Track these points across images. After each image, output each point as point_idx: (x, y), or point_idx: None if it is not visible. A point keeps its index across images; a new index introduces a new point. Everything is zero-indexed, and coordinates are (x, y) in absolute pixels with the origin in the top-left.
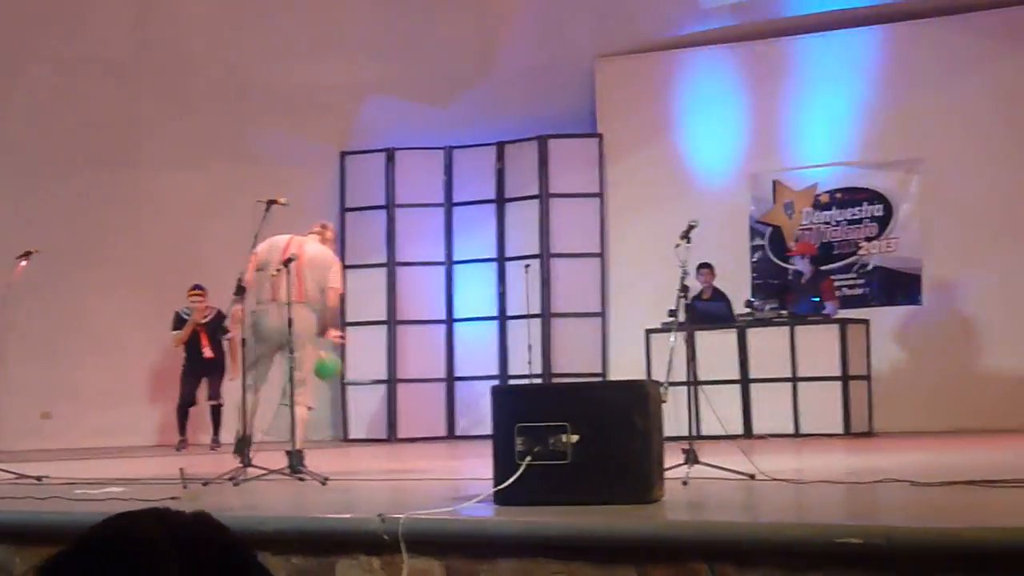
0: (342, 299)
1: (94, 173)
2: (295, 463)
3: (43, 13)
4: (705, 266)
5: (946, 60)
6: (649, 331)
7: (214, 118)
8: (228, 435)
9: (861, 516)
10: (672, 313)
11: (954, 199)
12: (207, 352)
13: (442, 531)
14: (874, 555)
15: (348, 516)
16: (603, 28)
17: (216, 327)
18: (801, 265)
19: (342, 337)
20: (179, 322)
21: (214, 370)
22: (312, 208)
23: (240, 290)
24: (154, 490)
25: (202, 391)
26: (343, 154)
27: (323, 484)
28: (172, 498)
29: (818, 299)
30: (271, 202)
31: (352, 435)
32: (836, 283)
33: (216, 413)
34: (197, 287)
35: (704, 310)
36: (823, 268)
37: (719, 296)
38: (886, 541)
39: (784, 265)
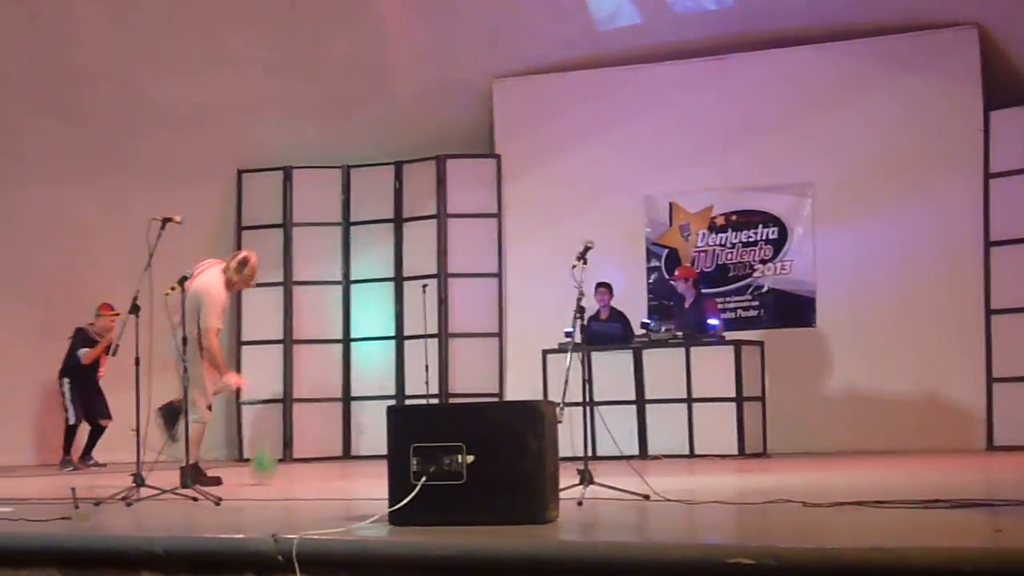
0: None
1: None
2: (187, 478)
3: None
4: (603, 286)
5: (839, 85)
6: (546, 351)
7: (105, 133)
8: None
9: (752, 537)
10: (568, 334)
11: (846, 222)
12: (102, 372)
13: (336, 551)
14: (764, 575)
15: (241, 536)
16: (500, 49)
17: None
18: (683, 289)
19: (237, 386)
20: (87, 339)
21: (99, 390)
22: (208, 226)
23: (135, 308)
24: (45, 510)
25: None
26: (240, 172)
27: (216, 504)
28: (64, 518)
29: (715, 324)
30: (166, 220)
31: (247, 455)
32: (732, 305)
33: (100, 433)
34: (110, 306)
35: (600, 331)
36: (705, 291)
37: (617, 316)
38: (776, 561)
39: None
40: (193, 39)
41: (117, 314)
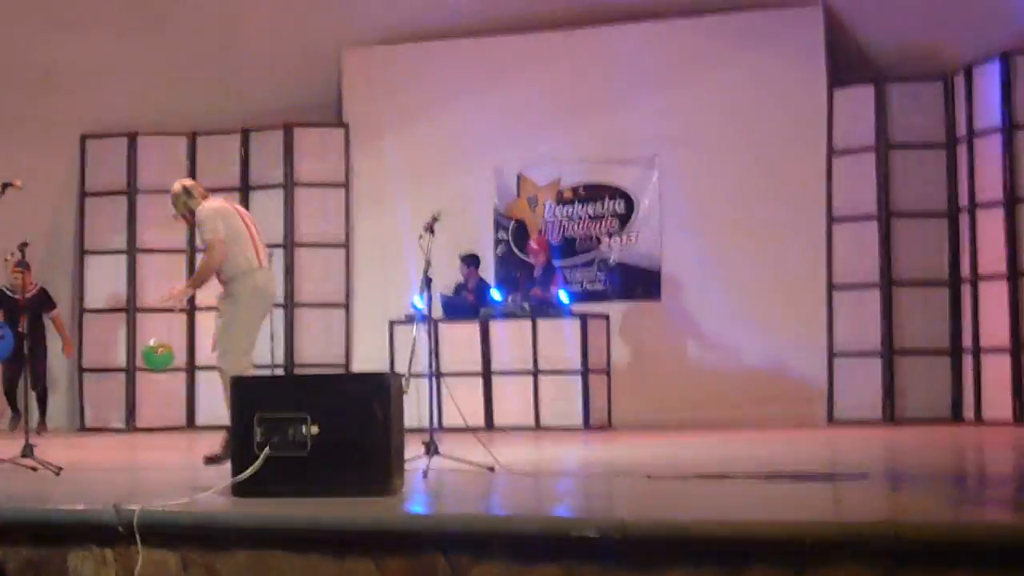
0: None
1: None
2: None
3: None
4: (467, 258)
5: (687, 60)
6: (393, 322)
7: None
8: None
9: (597, 509)
10: (415, 306)
11: (690, 197)
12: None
13: (177, 522)
14: (608, 547)
15: (81, 507)
16: (350, 17)
17: (40, 304)
18: (536, 262)
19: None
20: (2, 299)
21: (37, 353)
22: (50, 192)
23: None
24: None
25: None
26: (84, 137)
27: (57, 474)
28: None
29: (567, 303)
30: (6, 185)
31: (89, 424)
32: (579, 278)
33: (43, 399)
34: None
35: (449, 303)
36: (556, 263)
37: (484, 287)
38: (620, 534)
39: (526, 259)
40: None
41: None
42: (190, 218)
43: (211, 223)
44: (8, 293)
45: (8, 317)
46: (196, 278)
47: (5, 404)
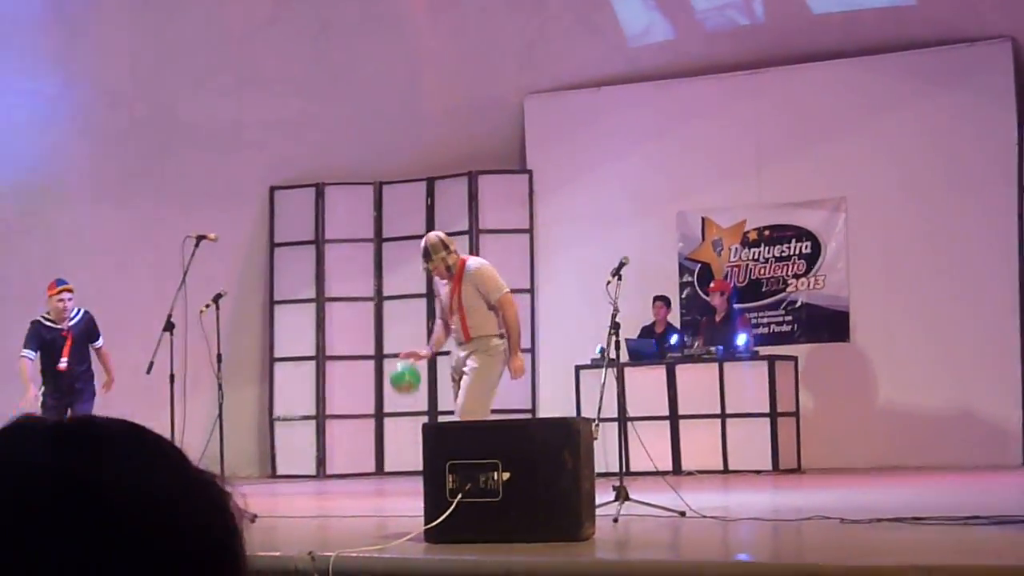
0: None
1: (12, 206)
2: None
3: None
4: (660, 299)
5: (872, 99)
6: (579, 367)
7: (138, 153)
8: None
9: (789, 554)
10: (603, 350)
11: (880, 237)
12: (61, 364)
13: (373, 569)
14: None
15: (277, 554)
16: (531, 65)
17: (86, 334)
18: (716, 303)
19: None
20: (34, 333)
21: (84, 396)
22: (240, 244)
23: (169, 326)
24: None
25: None
26: (272, 189)
27: (252, 521)
28: None
29: (744, 343)
30: (201, 237)
31: (280, 471)
32: (765, 320)
33: None
34: (61, 281)
35: (634, 347)
36: (738, 306)
37: (672, 330)
38: None
39: (709, 301)
40: (225, 58)
41: (65, 290)
42: (445, 273)
43: (497, 280)
44: (48, 323)
45: (48, 352)
46: (515, 341)
47: None
